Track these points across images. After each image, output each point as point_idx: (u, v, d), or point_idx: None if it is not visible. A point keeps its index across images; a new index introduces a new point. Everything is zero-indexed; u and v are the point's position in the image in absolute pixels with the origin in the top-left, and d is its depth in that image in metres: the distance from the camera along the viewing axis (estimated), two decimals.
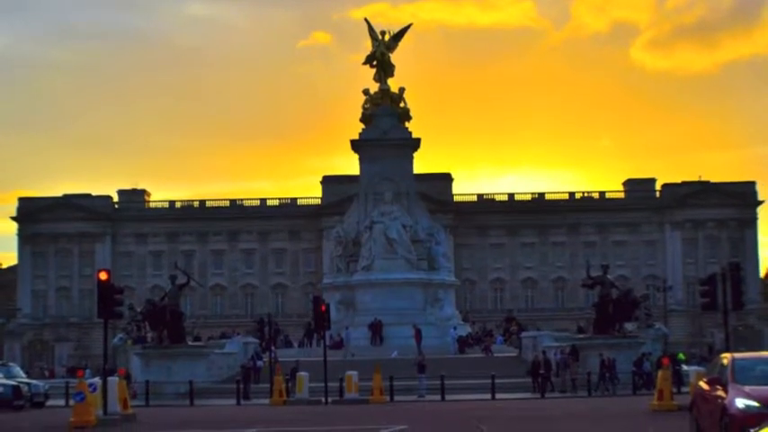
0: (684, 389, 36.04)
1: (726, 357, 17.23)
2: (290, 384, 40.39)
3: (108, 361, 33.10)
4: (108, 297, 28.63)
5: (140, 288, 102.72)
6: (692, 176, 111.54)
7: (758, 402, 14.81)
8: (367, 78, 67.02)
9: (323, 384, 38.25)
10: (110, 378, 29.20)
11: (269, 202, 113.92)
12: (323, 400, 37.91)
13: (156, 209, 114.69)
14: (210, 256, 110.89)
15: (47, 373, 77.08)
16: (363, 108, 66.33)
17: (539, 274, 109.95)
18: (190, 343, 49.31)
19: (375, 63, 66.19)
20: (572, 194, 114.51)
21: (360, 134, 65.67)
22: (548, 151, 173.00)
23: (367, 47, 67.22)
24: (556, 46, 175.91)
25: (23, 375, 42.71)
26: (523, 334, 56.63)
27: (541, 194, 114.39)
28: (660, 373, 31.12)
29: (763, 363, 17.12)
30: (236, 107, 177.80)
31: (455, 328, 58.66)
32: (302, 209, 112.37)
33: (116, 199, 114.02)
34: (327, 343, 42.07)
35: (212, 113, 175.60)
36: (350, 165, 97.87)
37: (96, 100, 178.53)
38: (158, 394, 40.98)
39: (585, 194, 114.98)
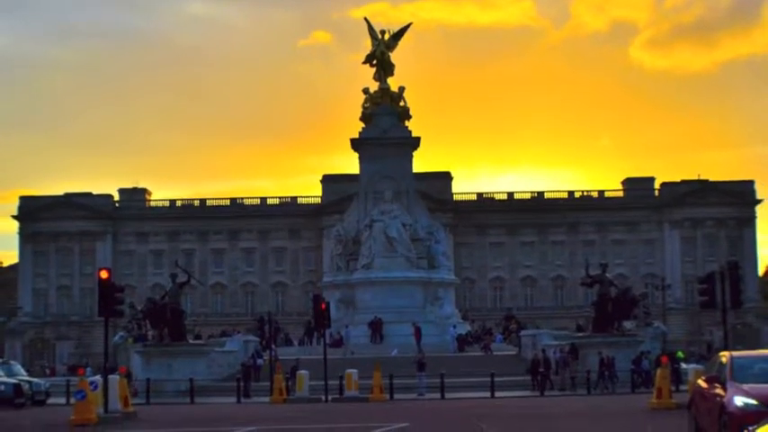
0: (683, 387, 36.11)
1: (724, 356, 17.33)
2: (290, 382, 40.49)
3: (109, 359, 33.28)
4: (109, 295, 28.77)
5: (141, 286, 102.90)
6: (690, 175, 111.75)
7: (757, 400, 14.91)
8: (367, 77, 67.19)
9: (323, 382, 38.37)
10: (111, 376, 29.32)
11: (269, 201, 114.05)
12: (323, 398, 38.03)
13: (156, 207, 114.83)
14: (211, 254, 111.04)
15: (48, 372, 77.19)
16: (363, 107, 66.45)
17: (538, 272, 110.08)
18: (190, 341, 49.48)
19: (375, 62, 66.31)
20: (571, 193, 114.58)
21: (360, 133, 65.77)
22: (547, 150, 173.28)
23: (367, 46, 67.38)
24: (555, 45, 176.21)
25: (24, 373, 42.76)
26: (523, 332, 56.73)
27: (541, 193, 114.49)
28: (659, 371, 31.22)
29: (761, 361, 17.21)
30: (237, 106, 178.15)
31: (455, 327, 58.77)
32: (302, 207, 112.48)
33: (117, 198, 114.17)
34: (327, 341, 42.18)
35: (213, 112, 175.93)
36: (350, 163, 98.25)
37: (97, 99, 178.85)
38: (159, 392, 41.11)
39: (585, 193, 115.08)
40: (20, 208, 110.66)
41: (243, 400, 39.68)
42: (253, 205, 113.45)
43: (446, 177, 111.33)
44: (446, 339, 56.75)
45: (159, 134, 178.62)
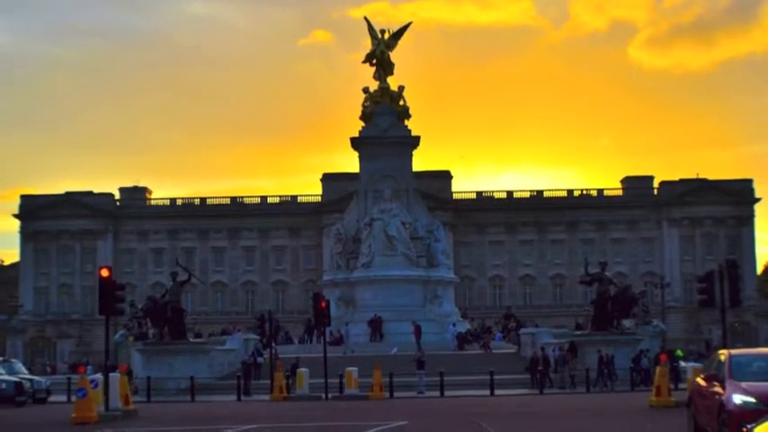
0: (682, 385, 36.21)
1: (723, 354, 17.44)
2: (290, 380, 40.60)
3: (109, 357, 33.38)
4: (109, 294, 28.85)
5: (142, 285, 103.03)
6: (689, 174, 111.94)
7: (755, 398, 15.02)
8: (367, 77, 67.22)
9: (323, 380, 38.47)
10: (111, 374, 29.39)
11: (269, 200, 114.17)
12: (323, 396, 38.14)
13: (157, 206, 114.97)
14: (211, 253, 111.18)
15: (49, 370, 77.37)
16: (363, 106, 66.47)
17: (537, 271, 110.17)
18: (191, 339, 49.55)
19: (375, 61, 66.33)
20: (570, 192, 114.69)
21: (360, 132, 65.80)
22: (546, 149, 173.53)
23: (367, 45, 67.39)
24: (554, 45, 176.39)
25: (25, 372, 42.87)
26: (522, 330, 56.83)
27: (540, 192, 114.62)
28: (658, 369, 31.34)
29: (759, 359, 17.32)
30: (237, 105, 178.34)
31: (454, 325, 58.83)
32: (302, 206, 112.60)
33: (118, 196, 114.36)
34: (327, 339, 42.29)
35: (213, 111, 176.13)
36: (350, 162, 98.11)
37: (97, 98, 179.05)
38: (159, 390, 41.23)
39: (584, 192, 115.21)
40: (21, 207, 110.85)
41: (243, 398, 39.78)
42: (253, 204, 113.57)
43: (446, 176, 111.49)
44: (446, 338, 56.82)
45: (160, 133, 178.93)
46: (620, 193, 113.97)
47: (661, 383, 30.44)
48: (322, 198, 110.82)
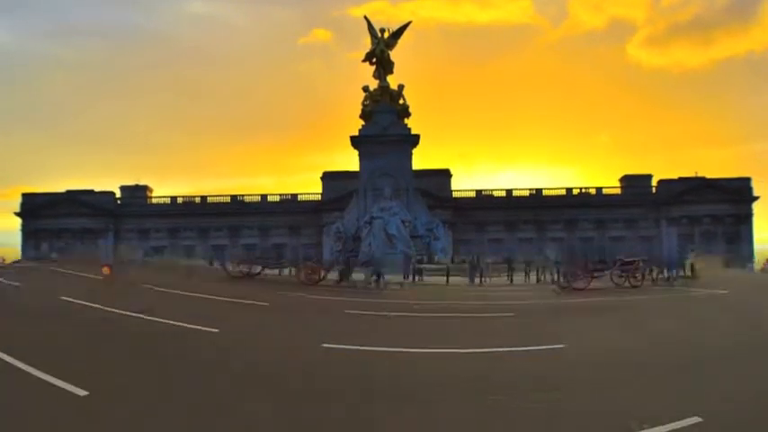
0: None
1: None
2: None
3: None
4: None
5: None
6: (688, 173, 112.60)
7: None
8: (366, 75, 67.82)
9: None
10: None
11: (269, 198, 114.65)
12: None
13: (158, 204, 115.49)
14: (212, 251, 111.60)
15: None
16: (363, 105, 67.03)
17: None
18: None
19: (375, 60, 66.92)
20: (569, 190, 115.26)
21: (359, 131, 66.36)
22: (545, 148, 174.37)
23: (366, 44, 67.99)
24: (553, 43, 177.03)
25: None
26: None
27: (539, 190, 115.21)
28: None
29: None
30: (237, 104, 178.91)
31: None
32: (302, 204, 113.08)
33: (119, 195, 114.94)
34: None
35: (213, 110, 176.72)
36: (350, 161, 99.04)
37: (98, 97, 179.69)
38: None
39: (583, 190, 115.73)
40: (22, 205, 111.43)
41: None
42: (253, 202, 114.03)
43: (445, 174, 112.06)
44: None
45: (160, 132, 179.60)
46: (618, 191, 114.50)
47: None
48: (322, 196, 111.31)
